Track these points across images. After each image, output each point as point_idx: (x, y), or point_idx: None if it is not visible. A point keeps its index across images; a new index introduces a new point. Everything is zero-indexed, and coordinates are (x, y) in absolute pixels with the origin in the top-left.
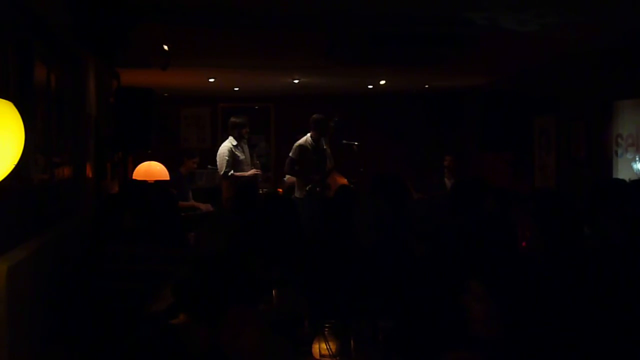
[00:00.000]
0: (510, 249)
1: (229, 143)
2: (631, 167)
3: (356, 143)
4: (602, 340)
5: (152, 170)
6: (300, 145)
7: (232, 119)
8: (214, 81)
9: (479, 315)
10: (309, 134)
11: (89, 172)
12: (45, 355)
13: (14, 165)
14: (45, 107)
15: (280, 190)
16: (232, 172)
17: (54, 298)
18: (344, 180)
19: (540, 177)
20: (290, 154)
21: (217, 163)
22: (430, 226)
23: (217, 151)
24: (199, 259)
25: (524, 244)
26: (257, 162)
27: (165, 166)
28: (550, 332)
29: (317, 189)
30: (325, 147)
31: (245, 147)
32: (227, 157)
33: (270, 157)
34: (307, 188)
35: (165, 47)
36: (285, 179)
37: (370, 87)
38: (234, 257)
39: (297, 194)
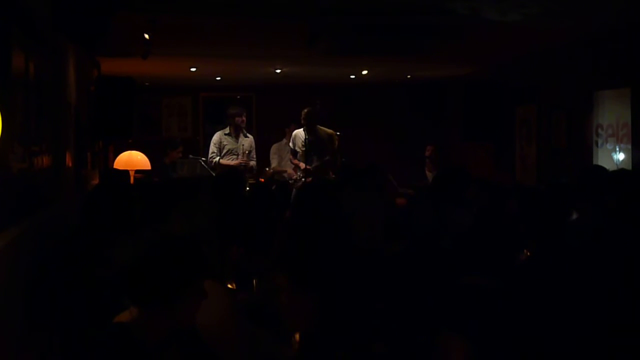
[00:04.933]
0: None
1: (221, 131)
2: (611, 157)
3: (338, 133)
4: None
5: (133, 159)
6: (297, 136)
7: (229, 109)
8: (195, 70)
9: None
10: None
11: (69, 161)
12: (25, 344)
13: None
14: (23, 95)
15: (262, 180)
16: (217, 158)
17: (33, 287)
18: None
19: (521, 167)
20: (290, 145)
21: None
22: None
23: (198, 140)
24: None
25: None
26: (254, 157)
27: (147, 155)
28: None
29: (332, 175)
30: (325, 133)
31: (241, 137)
32: (214, 143)
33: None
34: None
35: (146, 36)
36: (267, 169)
37: (352, 77)
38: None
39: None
